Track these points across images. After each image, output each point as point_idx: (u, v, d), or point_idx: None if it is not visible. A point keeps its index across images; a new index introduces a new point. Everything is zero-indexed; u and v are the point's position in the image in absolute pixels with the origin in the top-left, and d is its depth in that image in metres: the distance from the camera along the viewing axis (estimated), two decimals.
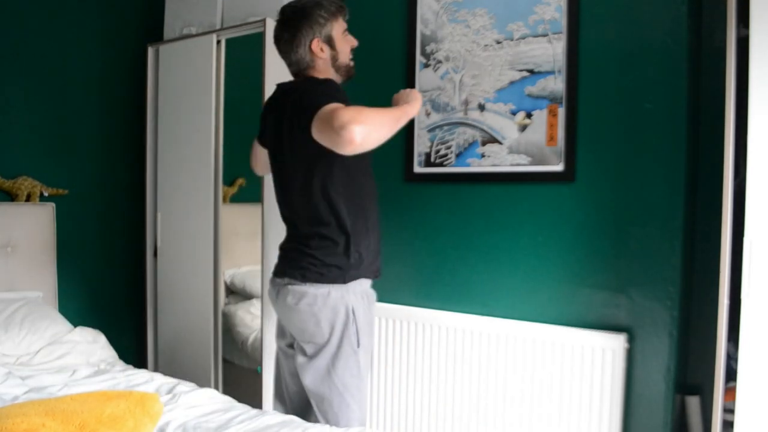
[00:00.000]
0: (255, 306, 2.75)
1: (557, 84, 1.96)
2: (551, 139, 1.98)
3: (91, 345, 2.16)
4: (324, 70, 1.68)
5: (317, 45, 1.65)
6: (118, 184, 2.88)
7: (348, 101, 1.52)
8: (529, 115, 2.02)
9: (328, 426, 1.56)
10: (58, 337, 2.13)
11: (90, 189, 2.75)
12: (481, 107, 2.12)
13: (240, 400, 1.79)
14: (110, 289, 2.87)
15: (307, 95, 1.56)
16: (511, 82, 2.06)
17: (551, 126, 1.98)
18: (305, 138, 1.50)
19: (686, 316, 1.93)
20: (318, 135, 1.46)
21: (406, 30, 2.27)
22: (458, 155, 2.16)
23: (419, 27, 2.25)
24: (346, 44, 1.70)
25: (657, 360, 1.83)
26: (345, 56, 1.70)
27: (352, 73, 1.74)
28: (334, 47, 1.68)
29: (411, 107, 1.62)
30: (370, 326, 1.72)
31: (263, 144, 1.84)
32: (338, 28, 1.68)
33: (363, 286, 1.71)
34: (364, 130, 1.36)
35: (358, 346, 1.65)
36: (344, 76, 1.73)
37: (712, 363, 1.55)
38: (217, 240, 2.51)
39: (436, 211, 2.22)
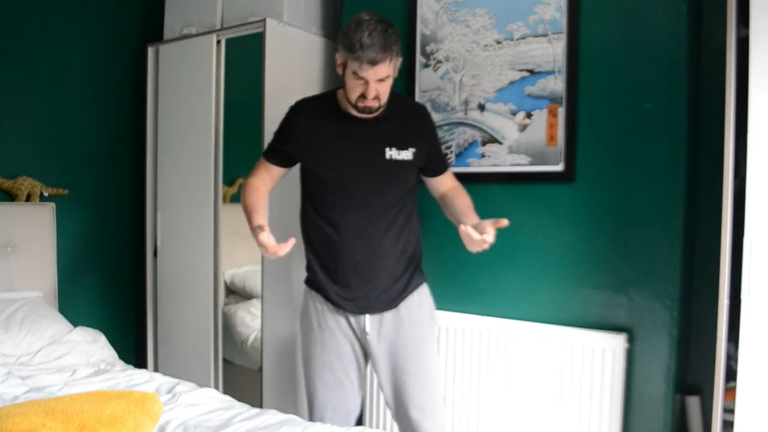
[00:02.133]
0: (255, 306, 2.75)
1: (557, 84, 1.96)
2: (551, 139, 1.98)
3: (91, 345, 2.16)
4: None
5: (338, 59, 1.64)
6: (118, 184, 2.88)
7: (282, 133, 1.75)
8: (529, 115, 2.02)
9: (328, 425, 1.56)
10: (58, 337, 2.12)
11: (90, 189, 2.75)
12: (481, 107, 2.12)
13: (240, 400, 1.78)
14: (110, 289, 2.86)
15: None
16: (511, 82, 2.05)
17: (551, 126, 1.98)
18: None
19: (686, 316, 1.93)
20: None
21: (406, 30, 2.27)
22: (458, 155, 2.16)
23: (419, 27, 2.25)
24: (352, 83, 1.60)
25: (657, 360, 1.83)
26: (350, 92, 1.62)
27: (362, 110, 1.64)
28: (343, 75, 1.63)
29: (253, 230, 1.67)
30: (304, 320, 1.85)
31: None
32: (350, 65, 1.58)
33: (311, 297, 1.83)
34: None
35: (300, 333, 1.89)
36: (355, 110, 1.66)
37: (712, 363, 1.54)
38: (217, 240, 2.50)
39: (436, 211, 2.22)
